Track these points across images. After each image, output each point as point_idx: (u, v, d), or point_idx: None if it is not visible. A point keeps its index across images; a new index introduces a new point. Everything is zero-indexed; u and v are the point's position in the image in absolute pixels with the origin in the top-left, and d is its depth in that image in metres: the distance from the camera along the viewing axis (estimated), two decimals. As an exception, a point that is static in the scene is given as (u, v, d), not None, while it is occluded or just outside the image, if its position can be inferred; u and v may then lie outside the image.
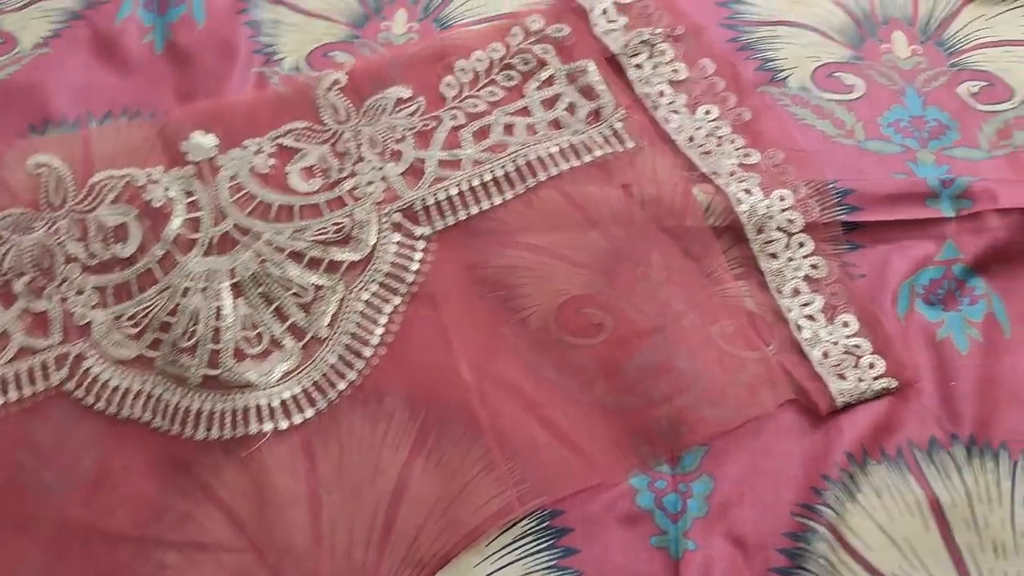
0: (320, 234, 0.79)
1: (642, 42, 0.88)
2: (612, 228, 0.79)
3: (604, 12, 0.91)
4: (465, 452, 0.70)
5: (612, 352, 0.74)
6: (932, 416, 0.72)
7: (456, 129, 0.85)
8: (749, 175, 0.80)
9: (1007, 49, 0.89)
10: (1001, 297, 0.77)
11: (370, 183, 0.82)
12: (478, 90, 0.87)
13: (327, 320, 0.76)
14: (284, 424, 0.72)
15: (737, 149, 0.82)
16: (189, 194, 0.81)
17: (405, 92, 0.86)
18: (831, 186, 0.79)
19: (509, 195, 0.81)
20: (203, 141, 0.84)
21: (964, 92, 0.87)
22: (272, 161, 0.83)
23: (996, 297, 0.77)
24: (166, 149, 0.84)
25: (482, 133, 0.84)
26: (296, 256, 0.78)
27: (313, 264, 0.78)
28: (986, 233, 0.77)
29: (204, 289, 0.76)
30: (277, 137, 0.84)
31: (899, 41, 0.90)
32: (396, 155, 0.83)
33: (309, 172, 0.83)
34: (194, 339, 0.74)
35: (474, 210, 0.80)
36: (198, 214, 0.81)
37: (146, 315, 0.76)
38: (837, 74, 0.88)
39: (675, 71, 0.87)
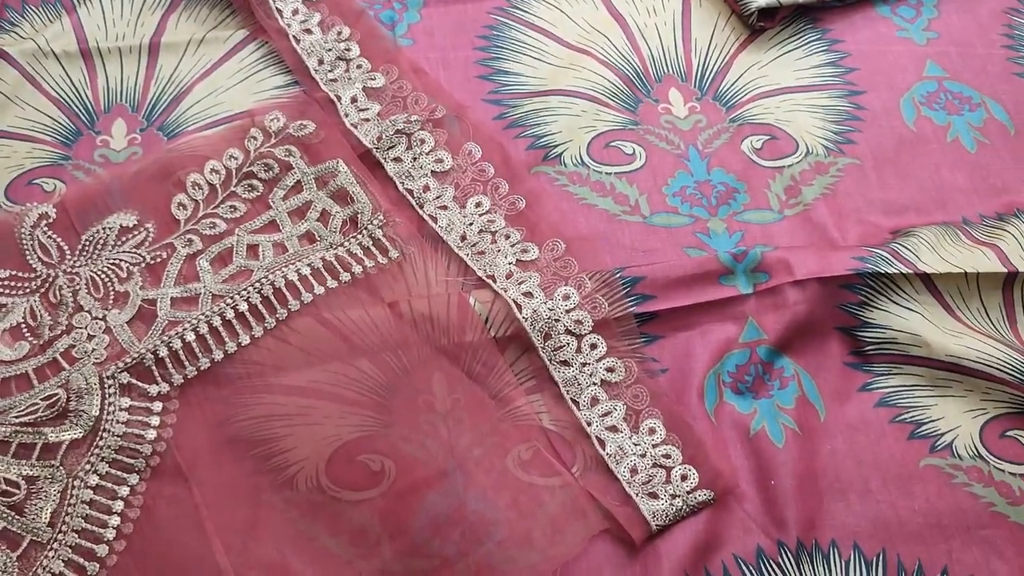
0: (29, 412, 0.65)
1: (397, 132, 0.78)
2: (384, 356, 0.69)
3: (354, 100, 0.81)
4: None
5: (395, 506, 0.64)
6: (756, 523, 0.66)
7: (192, 257, 0.72)
8: (528, 274, 0.72)
9: (785, 97, 0.85)
10: (811, 375, 0.71)
11: (91, 337, 0.68)
12: (216, 207, 0.75)
13: (46, 518, 0.62)
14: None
15: (513, 245, 0.73)
16: None
17: (129, 219, 0.74)
18: (618, 275, 0.71)
19: (259, 331, 0.69)
20: None
21: (748, 148, 0.81)
22: (-35, 326, 0.69)
23: (805, 376, 0.71)
24: None
25: (223, 259, 0.73)
26: (0, 445, 0.64)
27: (23, 451, 0.64)
28: (787, 309, 0.71)
29: None
30: (-27, 293, 0.70)
31: (676, 99, 0.84)
32: (121, 299, 0.70)
33: (15, 333, 0.69)
34: None
35: (218, 355, 0.68)
36: None
37: None
38: (615, 143, 0.81)
39: (438, 160, 0.78)
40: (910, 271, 0.71)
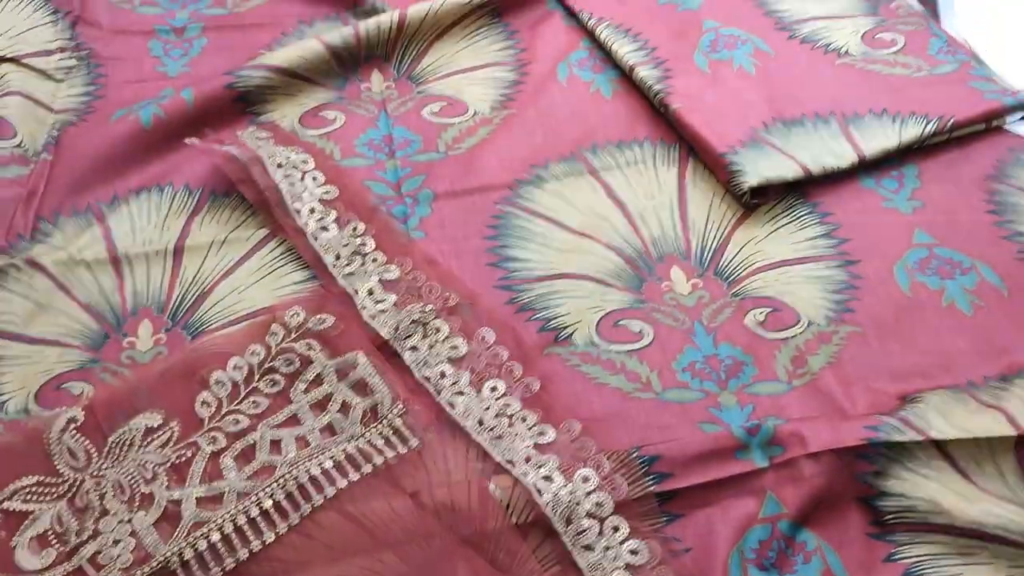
0: (55, 623, 0.65)
1: (413, 322, 0.81)
2: (408, 549, 0.69)
3: (370, 292, 0.84)
4: None
5: None
6: None
7: (217, 455, 0.74)
8: (547, 457, 0.73)
9: (783, 270, 0.88)
10: (834, 548, 0.71)
11: (116, 542, 0.69)
12: (239, 403, 0.77)
13: None
14: None
15: (530, 428, 0.75)
16: None
17: (154, 419, 0.75)
18: (636, 455, 0.72)
19: (283, 528, 0.70)
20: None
21: (751, 322, 0.84)
22: (-7, 535, 0.70)
23: (829, 549, 0.71)
24: None
25: (246, 455, 0.74)
26: (26, 659, 0.64)
27: (49, 664, 0.64)
28: (804, 481, 0.72)
29: None
30: (1, 501, 0.71)
31: (678, 277, 0.88)
32: (147, 500, 0.71)
33: (42, 540, 0.70)
34: None
35: (243, 554, 0.69)
36: None
37: None
38: (622, 322, 0.84)
39: (454, 347, 0.81)
40: (922, 438, 0.72)
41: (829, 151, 0.95)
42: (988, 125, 0.99)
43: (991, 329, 0.83)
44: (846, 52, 1.08)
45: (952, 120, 0.97)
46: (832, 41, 1.09)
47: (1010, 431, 0.73)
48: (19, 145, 0.96)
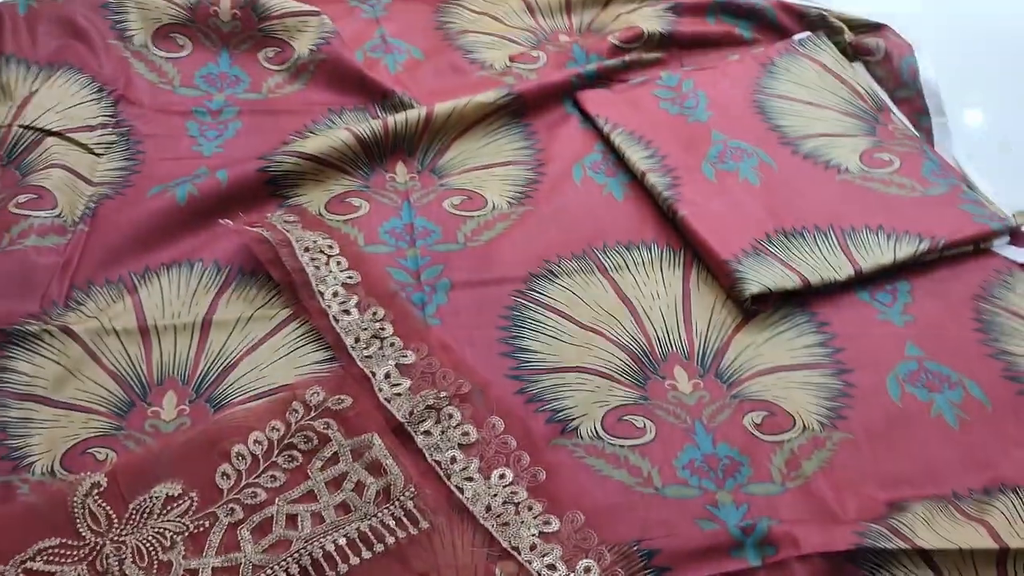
0: None
1: (427, 407, 0.85)
2: (414, 627, 0.72)
3: (387, 376, 0.88)
4: None
5: None
6: None
7: (234, 527, 0.77)
8: (551, 547, 0.76)
9: (780, 375, 0.92)
10: (822, 649, 0.74)
11: (133, 611, 0.72)
12: (257, 476, 0.80)
13: None
14: None
15: (536, 517, 0.79)
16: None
17: (174, 489, 0.79)
18: (636, 548, 0.76)
19: (296, 602, 0.73)
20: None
21: (749, 423, 0.88)
22: (15, 598, 0.72)
23: (817, 651, 0.74)
24: None
25: (263, 529, 0.77)
26: None
27: None
28: (794, 582, 0.75)
29: None
30: (24, 561, 0.74)
31: (681, 376, 0.92)
32: (164, 568, 0.74)
33: (62, 602, 0.72)
34: None
35: (256, 627, 0.71)
36: None
37: None
38: (627, 417, 0.88)
39: (465, 434, 0.84)
40: (908, 547, 0.76)
41: (827, 264, 1.00)
42: (977, 246, 1.05)
43: (975, 443, 0.88)
44: (846, 170, 1.14)
45: (943, 241, 1.03)
46: (832, 158, 1.15)
47: (992, 545, 0.76)
48: (59, 215, 1.00)
